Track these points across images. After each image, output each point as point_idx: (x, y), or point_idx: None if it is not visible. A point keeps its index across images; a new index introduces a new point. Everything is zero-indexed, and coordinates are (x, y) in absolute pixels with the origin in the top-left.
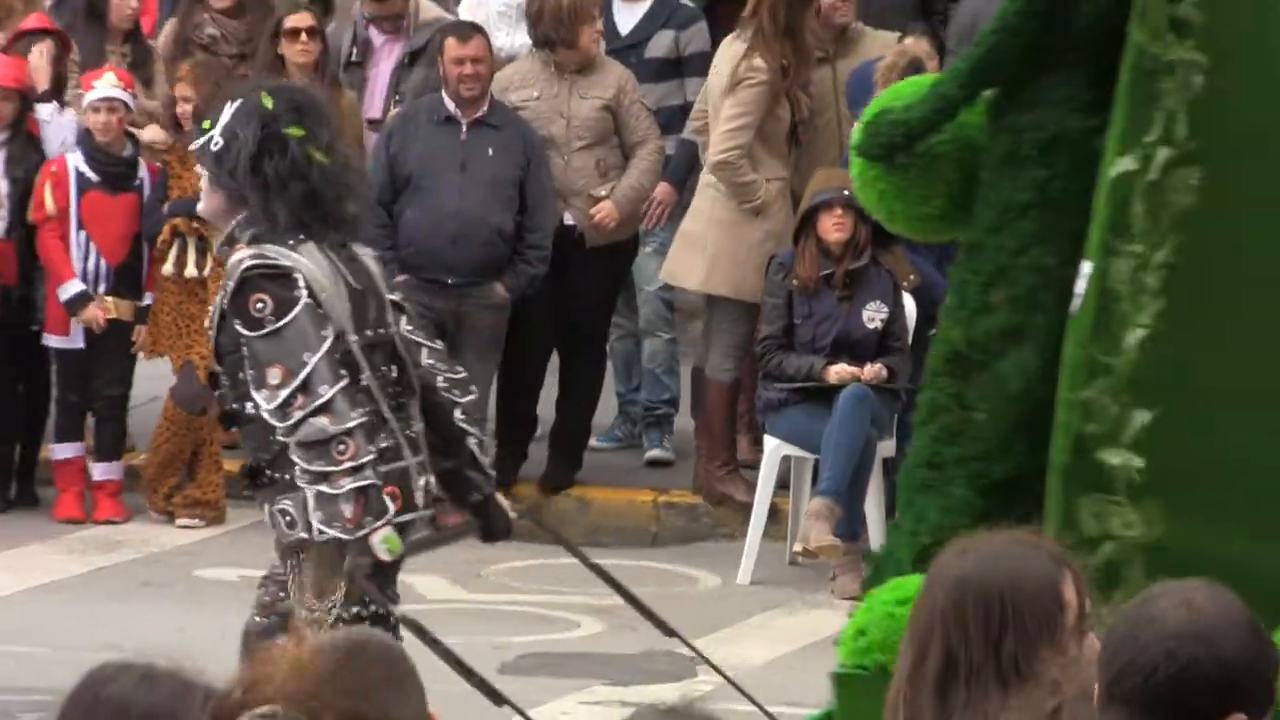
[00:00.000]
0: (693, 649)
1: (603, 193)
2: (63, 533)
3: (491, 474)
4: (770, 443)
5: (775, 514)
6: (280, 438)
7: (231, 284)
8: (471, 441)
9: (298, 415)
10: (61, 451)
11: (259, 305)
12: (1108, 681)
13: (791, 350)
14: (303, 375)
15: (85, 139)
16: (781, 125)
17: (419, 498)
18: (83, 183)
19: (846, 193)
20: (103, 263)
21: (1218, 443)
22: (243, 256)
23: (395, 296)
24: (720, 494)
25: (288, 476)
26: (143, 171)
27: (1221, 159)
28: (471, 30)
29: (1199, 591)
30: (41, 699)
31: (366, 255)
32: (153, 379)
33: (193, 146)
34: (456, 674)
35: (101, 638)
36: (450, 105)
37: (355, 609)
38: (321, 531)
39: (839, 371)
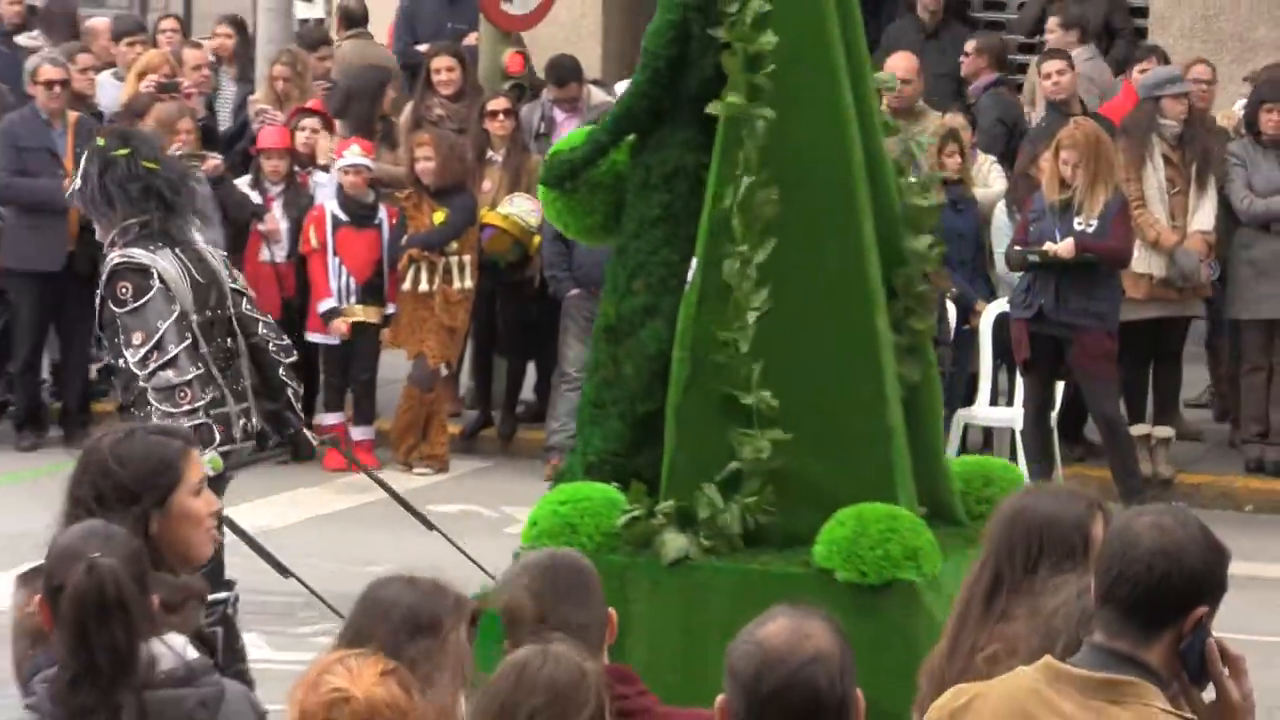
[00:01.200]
0: (455, 546)
1: None
2: (330, 479)
3: (301, 415)
4: None
5: None
6: (142, 384)
7: (104, 276)
8: (289, 391)
9: (152, 366)
10: (328, 419)
11: (123, 290)
12: (1104, 588)
13: None
14: (156, 337)
15: (339, 191)
16: None
17: (237, 433)
18: (336, 223)
19: None
20: (352, 281)
21: (800, 387)
22: (113, 256)
23: (238, 285)
24: None
25: (141, 414)
26: (381, 213)
27: (788, 182)
28: None
29: (1166, 516)
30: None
31: (212, 255)
32: (395, 366)
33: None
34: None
35: (360, 555)
36: None
37: None
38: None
39: None
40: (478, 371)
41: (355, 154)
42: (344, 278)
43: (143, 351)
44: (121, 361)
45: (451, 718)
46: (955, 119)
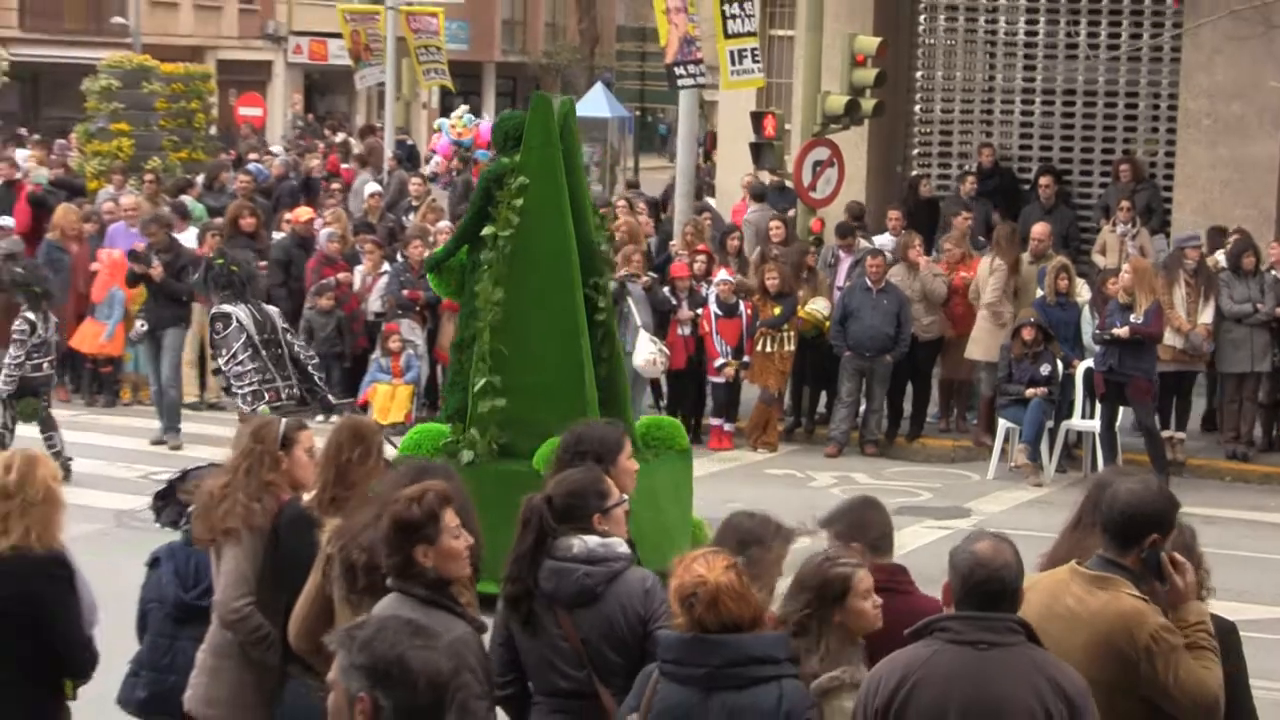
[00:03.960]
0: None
1: (924, 321)
2: (711, 455)
3: (325, 389)
4: (1001, 422)
5: (1004, 451)
6: (227, 377)
7: (209, 317)
8: (316, 377)
9: (231, 367)
10: (714, 421)
11: (217, 326)
12: (1102, 522)
13: (1011, 382)
14: (232, 351)
15: (716, 296)
16: (1012, 287)
17: (280, 396)
18: (716, 314)
19: (1033, 319)
20: (727, 347)
21: (535, 371)
22: (213, 309)
23: (286, 326)
24: (981, 441)
25: (232, 389)
26: (740, 307)
27: (521, 267)
28: (876, 253)
29: (1134, 478)
30: None
31: (269, 309)
32: (750, 391)
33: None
34: None
35: (725, 496)
36: (869, 281)
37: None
38: (240, 408)
39: (1030, 391)
40: (794, 396)
41: (724, 275)
42: (722, 345)
43: (226, 358)
44: (220, 364)
45: (767, 602)
46: (1064, 259)
